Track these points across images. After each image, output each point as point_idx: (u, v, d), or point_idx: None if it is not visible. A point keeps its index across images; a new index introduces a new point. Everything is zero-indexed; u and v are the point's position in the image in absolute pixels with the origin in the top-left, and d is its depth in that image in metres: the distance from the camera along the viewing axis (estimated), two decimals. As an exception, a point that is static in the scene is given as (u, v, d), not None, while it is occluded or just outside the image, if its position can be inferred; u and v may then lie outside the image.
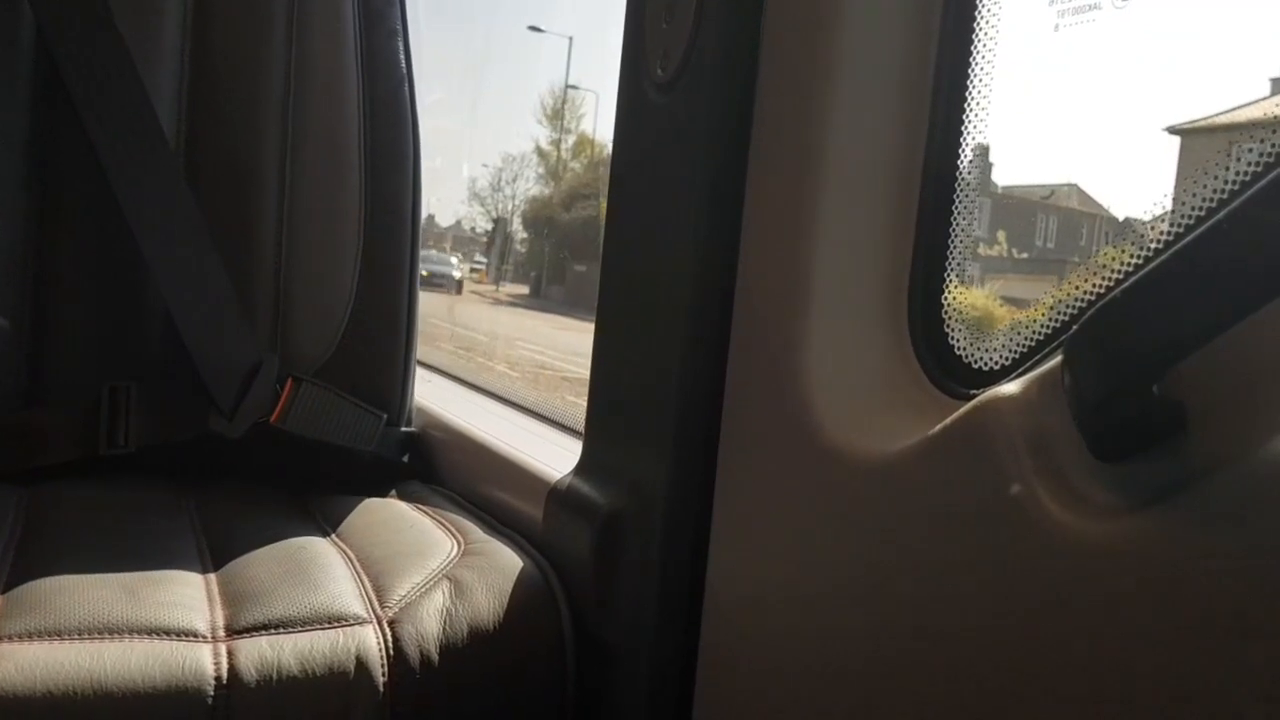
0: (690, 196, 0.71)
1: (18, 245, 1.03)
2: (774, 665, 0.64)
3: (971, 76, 0.61)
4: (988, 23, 0.60)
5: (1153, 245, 0.47)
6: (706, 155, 0.70)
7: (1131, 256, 0.49)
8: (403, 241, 1.13)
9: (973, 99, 0.61)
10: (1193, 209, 0.45)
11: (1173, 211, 0.47)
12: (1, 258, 1.03)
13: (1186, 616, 0.41)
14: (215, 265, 1.03)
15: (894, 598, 0.55)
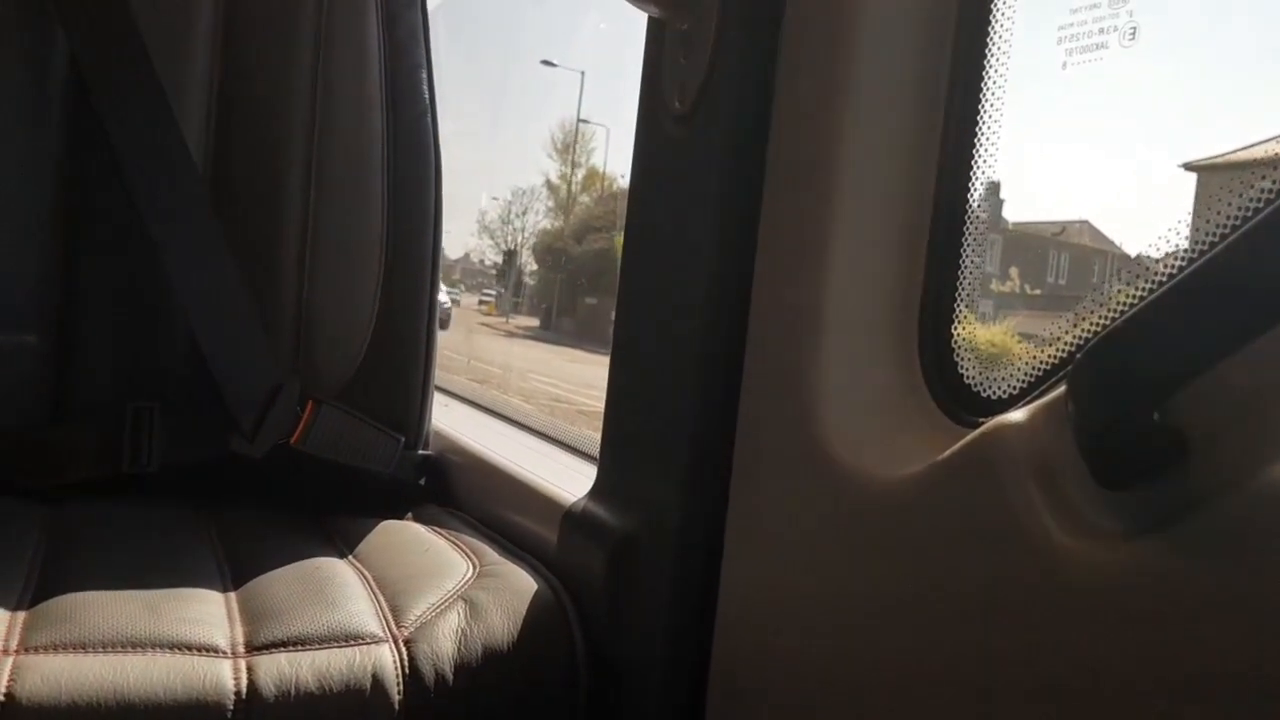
0: (705, 226, 0.73)
1: (46, 267, 1.05)
2: (785, 687, 0.65)
3: (982, 112, 0.63)
4: (998, 59, 0.62)
5: (1157, 278, 0.48)
6: (722, 186, 0.72)
7: (1137, 290, 0.50)
8: (423, 267, 1.14)
9: (983, 134, 0.63)
10: (1206, 239, 0.46)
11: (1190, 247, 0.48)
12: (30, 279, 1.05)
13: (1188, 639, 0.42)
14: (239, 288, 1.05)
15: (903, 620, 0.56)
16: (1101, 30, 0.56)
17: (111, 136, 1.03)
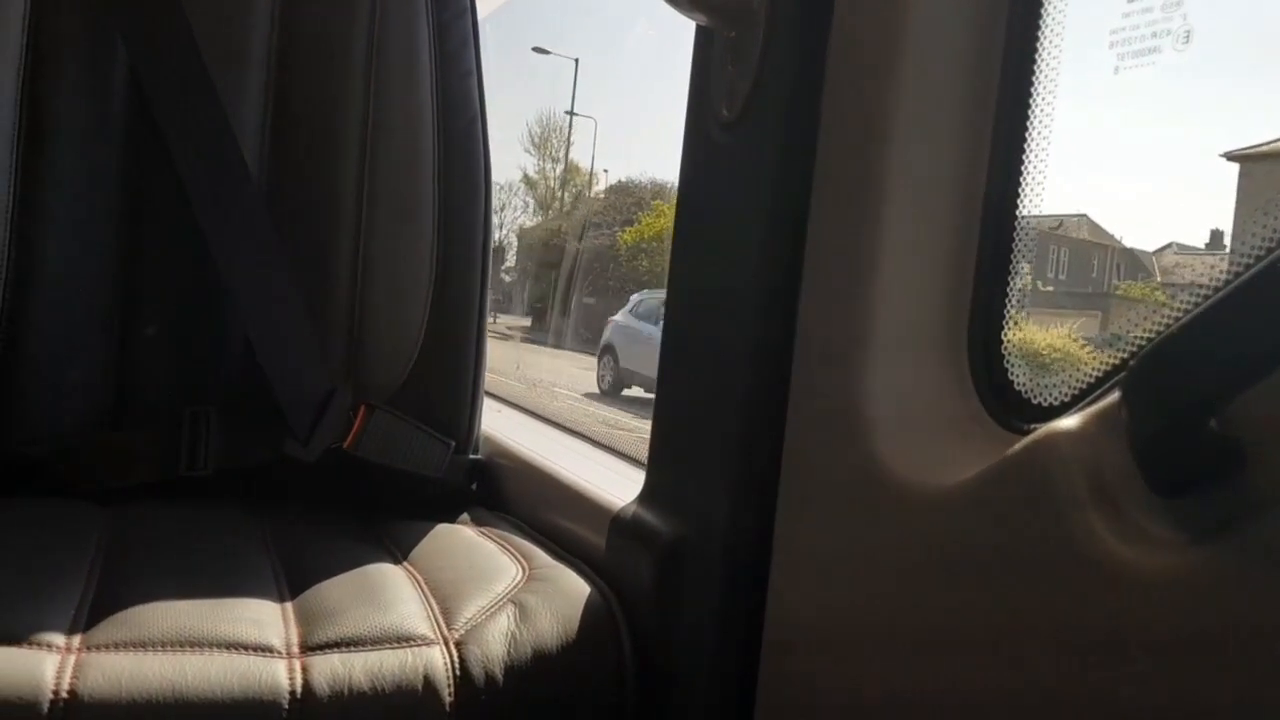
0: (753, 233, 0.73)
1: (106, 273, 1.08)
2: (832, 695, 0.65)
3: (1032, 118, 0.62)
4: (1048, 64, 0.62)
5: (1210, 283, 0.48)
6: (769, 194, 0.72)
7: (1191, 297, 0.49)
8: (474, 273, 1.16)
9: (1033, 140, 0.62)
10: (1261, 244, 0.46)
11: (1234, 237, 0.47)
12: (90, 285, 1.07)
13: (1243, 648, 0.41)
14: (294, 295, 1.07)
15: (952, 628, 0.55)
16: (1154, 34, 0.56)
17: (170, 146, 1.05)
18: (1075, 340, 0.67)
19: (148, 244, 1.09)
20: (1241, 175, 0.61)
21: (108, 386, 1.08)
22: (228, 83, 1.09)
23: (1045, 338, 0.63)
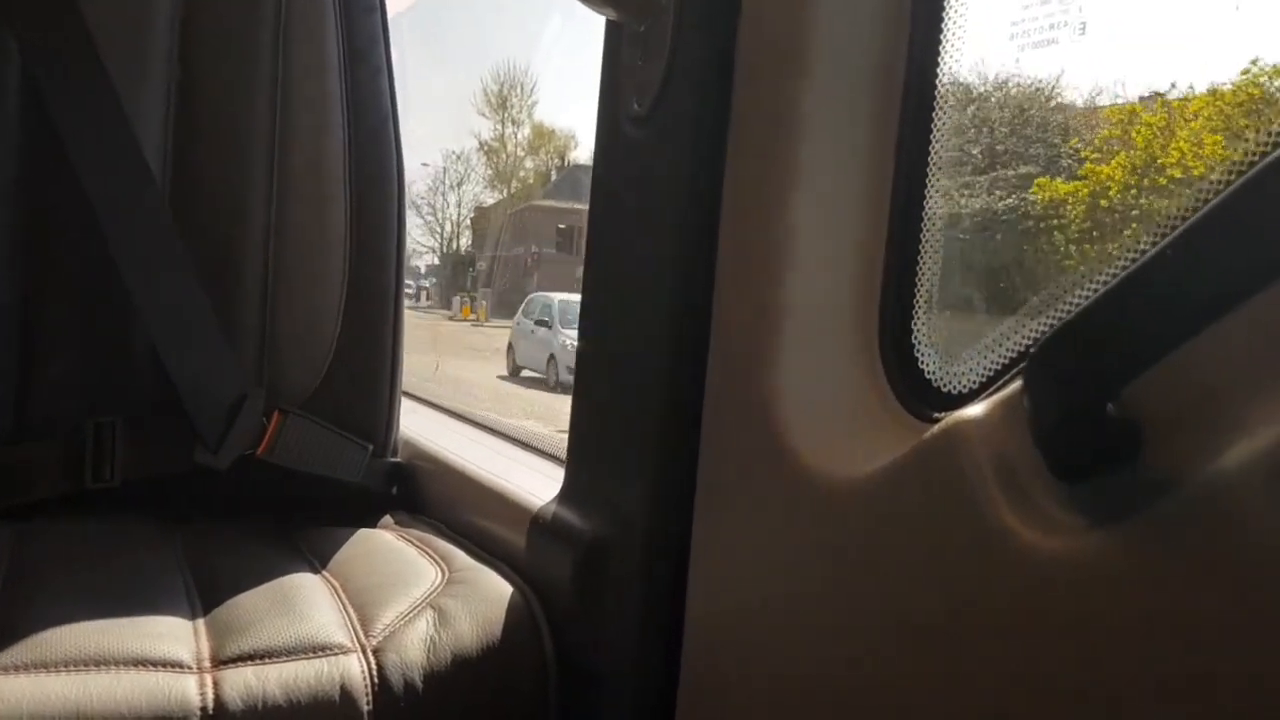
0: (667, 227, 0.73)
1: (5, 283, 1.04)
2: (754, 686, 0.65)
3: (937, 112, 0.63)
4: (950, 57, 0.62)
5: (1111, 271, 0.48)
6: (682, 186, 0.72)
7: (1092, 284, 0.50)
8: (388, 274, 1.14)
9: (937, 136, 0.63)
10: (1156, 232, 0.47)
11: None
12: None
13: (1148, 628, 0.42)
14: (201, 300, 1.04)
15: (868, 617, 0.56)
16: (1052, 26, 0.57)
17: (69, 152, 1.01)
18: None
19: (47, 252, 1.05)
20: None
21: (7, 399, 1.04)
22: (129, 84, 1.05)
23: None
